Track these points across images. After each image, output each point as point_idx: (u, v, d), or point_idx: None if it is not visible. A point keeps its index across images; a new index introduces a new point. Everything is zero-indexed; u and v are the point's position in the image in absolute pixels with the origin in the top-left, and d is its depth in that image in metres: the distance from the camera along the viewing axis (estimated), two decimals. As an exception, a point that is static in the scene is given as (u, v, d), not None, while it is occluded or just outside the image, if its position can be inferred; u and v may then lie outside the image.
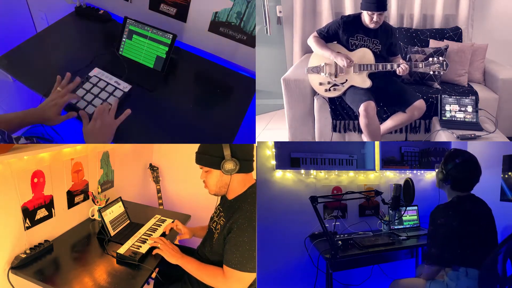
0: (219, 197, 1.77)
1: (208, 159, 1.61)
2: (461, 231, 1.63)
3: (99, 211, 2.07)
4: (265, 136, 3.41)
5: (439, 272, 1.73)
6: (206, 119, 1.93)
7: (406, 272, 2.64)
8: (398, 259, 2.58)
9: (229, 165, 1.57)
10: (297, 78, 2.76)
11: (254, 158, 1.69)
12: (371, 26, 2.53)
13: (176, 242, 2.02)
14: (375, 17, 2.47)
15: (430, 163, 2.84)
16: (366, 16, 2.51)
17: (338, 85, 2.63)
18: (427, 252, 1.71)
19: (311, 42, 2.69)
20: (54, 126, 1.80)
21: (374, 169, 2.66)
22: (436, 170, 1.84)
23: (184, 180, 3.16)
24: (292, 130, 2.93)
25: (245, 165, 1.61)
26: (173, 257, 1.71)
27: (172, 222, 2.11)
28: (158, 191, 3.03)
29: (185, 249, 2.10)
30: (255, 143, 2.27)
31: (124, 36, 2.10)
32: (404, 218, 2.61)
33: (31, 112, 1.63)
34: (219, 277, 1.58)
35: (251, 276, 1.53)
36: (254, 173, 2.17)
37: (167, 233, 2.09)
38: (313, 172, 2.50)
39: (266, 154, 2.37)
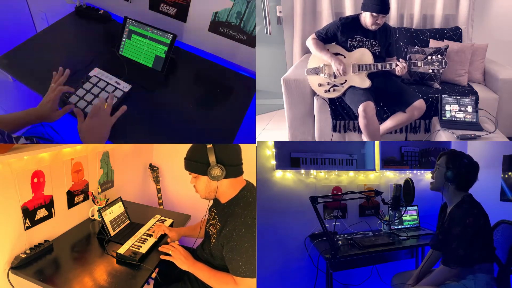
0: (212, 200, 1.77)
1: (195, 165, 1.61)
2: (485, 228, 1.66)
3: (99, 211, 2.07)
4: (265, 136, 3.41)
5: (454, 275, 1.70)
6: (206, 119, 1.93)
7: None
8: (398, 259, 2.58)
9: (215, 171, 1.56)
10: (297, 78, 2.76)
11: (242, 162, 1.68)
12: (373, 28, 2.53)
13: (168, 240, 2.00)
14: (379, 20, 2.47)
15: (430, 163, 2.84)
16: (368, 18, 2.50)
17: (337, 86, 2.63)
18: (453, 255, 1.67)
19: (310, 44, 2.69)
20: (54, 125, 1.81)
21: (374, 169, 2.66)
22: (435, 171, 1.83)
23: (184, 180, 3.12)
24: (292, 130, 2.93)
25: (231, 170, 1.60)
26: (185, 264, 1.69)
27: (169, 223, 2.10)
28: (158, 191, 3.03)
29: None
30: (255, 143, 2.27)
31: (124, 36, 2.10)
32: (404, 218, 2.61)
33: (31, 112, 1.65)
34: (231, 284, 1.57)
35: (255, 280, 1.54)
36: (253, 173, 2.17)
37: (156, 238, 2.05)
38: (313, 172, 2.50)
39: (266, 154, 2.37)
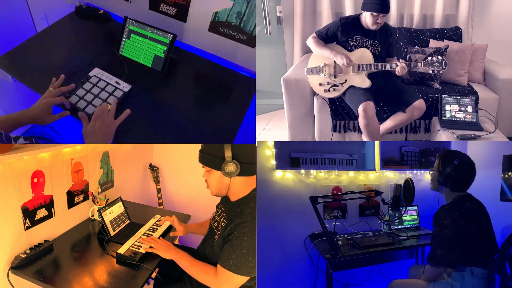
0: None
1: (209, 158, 1.58)
2: (467, 231, 1.64)
3: (99, 211, 2.07)
4: (265, 136, 3.41)
5: (442, 273, 1.72)
6: (206, 119, 1.93)
7: (406, 272, 2.64)
8: (398, 259, 2.59)
9: (229, 167, 1.53)
10: (297, 78, 2.76)
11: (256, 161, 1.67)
12: (373, 27, 2.53)
13: (176, 242, 2.02)
14: (379, 19, 2.47)
15: (430, 163, 2.84)
16: (369, 18, 2.50)
17: (337, 86, 2.63)
18: (432, 254, 1.70)
19: (310, 43, 2.70)
20: (54, 125, 1.81)
21: (374, 169, 2.66)
22: (431, 173, 1.83)
23: (184, 180, 3.15)
24: (292, 130, 2.93)
25: (246, 168, 1.57)
26: (167, 252, 1.72)
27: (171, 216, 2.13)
28: (158, 191, 3.03)
29: (185, 249, 2.10)
30: (255, 143, 2.27)
31: (124, 36, 2.10)
32: (404, 218, 2.61)
33: (23, 113, 1.64)
34: (210, 275, 1.59)
35: (242, 280, 1.54)
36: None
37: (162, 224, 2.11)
38: (313, 172, 2.50)
39: (266, 154, 2.37)
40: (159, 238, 1.86)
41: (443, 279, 1.72)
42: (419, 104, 2.54)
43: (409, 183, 2.04)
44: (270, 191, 2.37)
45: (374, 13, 2.46)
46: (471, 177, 1.73)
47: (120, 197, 2.30)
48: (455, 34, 3.12)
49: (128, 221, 2.26)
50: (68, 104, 1.79)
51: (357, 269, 2.45)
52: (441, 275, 1.73)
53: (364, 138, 2.64)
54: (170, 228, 2.18)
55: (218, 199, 1.80)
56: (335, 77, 2.63)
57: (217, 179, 1.61)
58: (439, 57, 2.54)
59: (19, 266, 1.69)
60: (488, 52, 3.00)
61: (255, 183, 1.66)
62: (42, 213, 1.92)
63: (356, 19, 2.60)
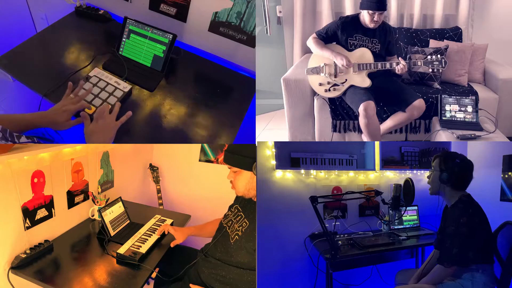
0: (235, 197, 1.73)
1: (239, 159, 1.54)
2: (480, 228, 1.65)
3: (99, 211, 2.07)
4: (265, 136, 3.41)
5: (449, 274, 1.71)
6: (206, 119, 1.93)
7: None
8: (398, 259, 2.59)
9: None
10: (297, 78, 2.76)
11: None
12: (371, 26, 2.53)
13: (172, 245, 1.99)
14: (375, 17, 2.48)
15: (430, 163, 2.84)
16: (366, 16, 2.51)
17: (338, 85, 2.63)
18: (447, 254, 1.68)
19: (310, 43, 2.70)
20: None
21: (374, 169, 2.66)
22: (429, 175, 1.83)
23: (184, 180, 3.16)
24: (292, 130, 2.93)
25: None
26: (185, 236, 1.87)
27: (170, 223, 2.10)
28: (158, 191, 3.03)
29: (185, 249, 2.10)
30: (255, 143, 2.27)
31: (124, 36, 2.10)
32: (404, 218, 2.61)
33: (42, 115, 1.64)
34: None
35: None
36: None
37: (158, 235, 2.06)
38: (313, 172, 2.50)
39: (266, 154, 2.37)
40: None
41: (448, 281, 1.70)
42: (419, 104, 2.54)
43: (409, 183, 2.04)
44: (270, 191, 2.37)
45: (370, 11, 2.46)
46: (471, 176, 1.75)
47: (120, 197, 2.30)
48: (455, 34, 3.12)
49: (128, 221, 2.26)
50: (88, 106, 1.79)
51: (357, 269, 2.45)
52: (447, 277, 1.72)
53: (365, 137, 2.64)
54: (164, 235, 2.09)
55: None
56: (335, 76, 2.63)
57: (246, 180, 1.57)
58: (439, 55, 2.54)
59: (19, 266, 1.69)
60: (488, 52, 3.00)
61: None
62: (42, 213, 1.92)
63: (355, 18, 2.60)
